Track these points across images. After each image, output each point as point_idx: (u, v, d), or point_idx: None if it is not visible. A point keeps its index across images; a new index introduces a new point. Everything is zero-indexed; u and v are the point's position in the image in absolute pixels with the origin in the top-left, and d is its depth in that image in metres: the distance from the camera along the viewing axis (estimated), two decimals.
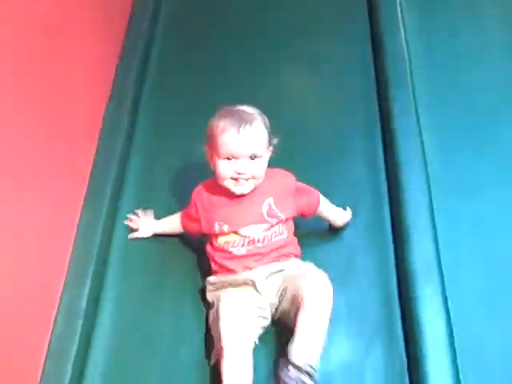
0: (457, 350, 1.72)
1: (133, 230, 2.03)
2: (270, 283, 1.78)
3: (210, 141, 1.80)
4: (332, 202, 1.98)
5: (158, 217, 2.05)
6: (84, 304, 1.81)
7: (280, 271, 1.79)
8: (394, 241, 1.96)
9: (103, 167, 2.11)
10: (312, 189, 1.94)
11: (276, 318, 1.79)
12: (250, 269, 1.79)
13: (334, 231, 1.98)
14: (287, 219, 1.84)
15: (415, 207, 1.95)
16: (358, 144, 2.22)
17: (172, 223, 1.98)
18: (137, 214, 2.05)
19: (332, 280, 1.79)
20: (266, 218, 1.81)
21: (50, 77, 1.82)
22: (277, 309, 1.78)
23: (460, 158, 2.13)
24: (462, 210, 2.01)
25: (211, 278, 1.84)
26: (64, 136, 1.91)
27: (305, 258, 1.85)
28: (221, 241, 1.83)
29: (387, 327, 1.81)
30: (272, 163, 1.81)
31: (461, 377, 1.68)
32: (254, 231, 1.80)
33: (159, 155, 2.24)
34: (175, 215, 1.98)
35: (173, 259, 1.98)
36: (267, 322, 1.78)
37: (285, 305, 1.76)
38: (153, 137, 2.29)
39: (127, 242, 2.03)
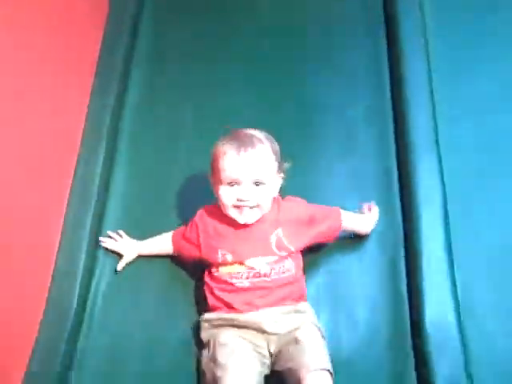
0: (449, 212, 1.85)
1: (114, 253, 1.88)
2: (281, 324, 1.64)
3: (213, 166, 1.70)
4: (333, 90, 2.16)
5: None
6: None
7: (291, 312, 1.67)
8: (395, 117, 2.08)
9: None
10: (330, 209, 1.79)
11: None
12: (253, 306, 1.65)
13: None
14: (298, 251, 1.73)
15: (415, 86, 2.07)
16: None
17: (161, 244, 1.84)
18: (113, 237, 1.89)
19: (334, 150, 2.00)
20: (275, 250, 1.68)
21: None
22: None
23: (460, 39, 2.24)
24: (460, 89, 2.12)
25: (207, 315, 1.69)
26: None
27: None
28: (223, 271, 1.69)
29: (386, 191, 1.96)
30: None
31: (451, 230, 1.83)
32: (261, 263, 1.67)
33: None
34: (164, 235, 1.84)
35: None
36: (267, 371, 1.63)
37: (278, 367, 1.62)
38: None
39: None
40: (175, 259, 1.85)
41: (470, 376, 1.62)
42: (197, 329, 1.72)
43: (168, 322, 1.78)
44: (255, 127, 1.73)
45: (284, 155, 1.73)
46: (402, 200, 1.93)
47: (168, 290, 1.84)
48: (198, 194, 1.90)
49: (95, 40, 2.23)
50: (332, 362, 1.58)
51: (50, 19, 1.87)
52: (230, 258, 1.69)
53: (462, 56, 2.18)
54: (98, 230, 1.91)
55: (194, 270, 1.82)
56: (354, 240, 1.86)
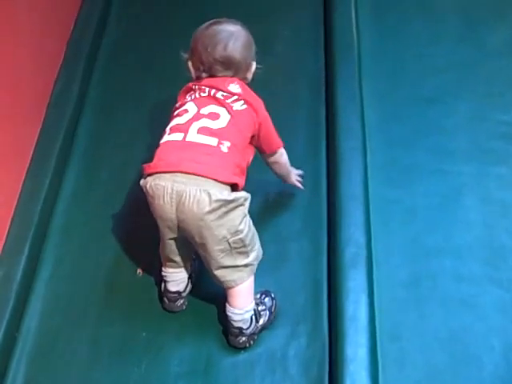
0: (377, 337, 1.75)
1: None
2: None
3: None
4: (270, 184, 2.06)
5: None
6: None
7: None
8: (328, 229, 1.99)
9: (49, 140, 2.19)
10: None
11: None
12: None
13: None
14: None
15: (350, 195, 2.00)
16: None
17: None
18: None
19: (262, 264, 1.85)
20: None
21: None
22: None
23: (398, 139, 2.21)
24: (395, 199, 2.06)
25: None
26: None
27: None
28: None
29: (313, 313, 1.84)
30: None
31: (380, 364, 1.71)
32: None
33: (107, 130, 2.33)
34: None
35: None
36: None
37: None
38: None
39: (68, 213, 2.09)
40: None
41: None
42: None
43: None
44: None
45: None
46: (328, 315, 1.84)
47: None
48: None
49: None
50: None
51: None
52: None
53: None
54: None
55: None
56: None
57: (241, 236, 1.70)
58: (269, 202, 2.07)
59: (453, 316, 1.83)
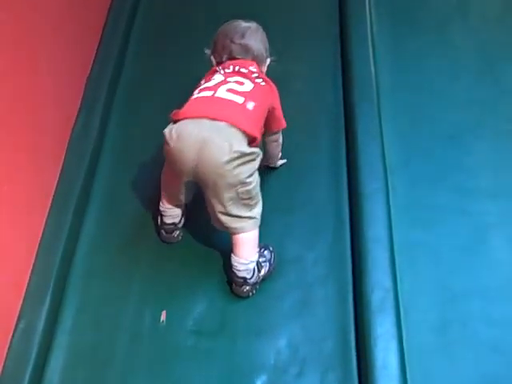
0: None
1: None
2: None
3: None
4: (294, 228, 2.08)
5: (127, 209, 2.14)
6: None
7: None
8: (353, 273, 1.96)
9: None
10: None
11: None
12: None
13: None
14: None
15: (374, 238, 1.96)
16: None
17: None
18: None
19: (288, 310, 1.89)
20: None
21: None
22: None
23: (420, 178, 2.18)
24: (420, 241, 2.02)
25: None
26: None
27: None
28: None
29: (341, 361, 1.80)
30: None
31: None
32: None
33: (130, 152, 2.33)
34: None
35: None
36: None
37: None
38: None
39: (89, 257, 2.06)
40: None
41: None
42: None
43: None
44: None
45: None
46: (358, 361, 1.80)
47: None
48: None
49: None
50: None
51: None
52: None
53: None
54: None
55: None
56: None
57: (248, 188, 1.83)
58: (292, 247, 2.04)
59: (484, 361, 1.79)
